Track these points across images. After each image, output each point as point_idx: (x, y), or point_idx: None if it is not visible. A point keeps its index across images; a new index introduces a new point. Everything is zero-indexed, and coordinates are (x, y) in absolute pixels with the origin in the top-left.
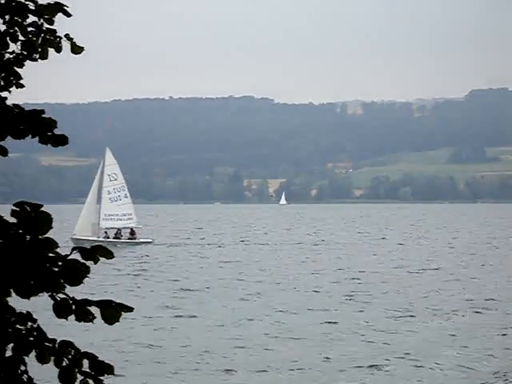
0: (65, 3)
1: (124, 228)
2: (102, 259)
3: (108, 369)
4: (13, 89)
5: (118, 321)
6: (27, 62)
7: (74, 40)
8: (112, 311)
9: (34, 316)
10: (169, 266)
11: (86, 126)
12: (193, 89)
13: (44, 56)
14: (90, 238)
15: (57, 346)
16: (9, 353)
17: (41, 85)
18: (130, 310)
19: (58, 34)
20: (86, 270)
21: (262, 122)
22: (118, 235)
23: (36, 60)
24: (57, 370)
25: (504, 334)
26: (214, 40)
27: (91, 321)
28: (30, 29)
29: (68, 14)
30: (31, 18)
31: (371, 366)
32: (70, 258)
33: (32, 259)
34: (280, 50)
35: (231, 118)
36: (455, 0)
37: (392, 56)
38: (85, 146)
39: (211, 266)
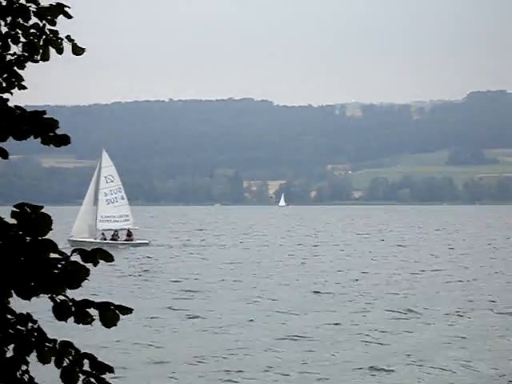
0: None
1: (121, 229)
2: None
3: (108, 369)
4: (14, 90)
5: (116, 324)
6: (28, 65)
7: (75, 41)
8: (111, 314)
9: (35, 317)
10: (169, 268)
11: (87, 128)
12: (193, 91)
13: (45, 57)
14: (87, 240)
15: (57, 346)
16: (10, 353)
17: (41, 87)
18: (129, 311)
19: (59, 36)
20: (85, 273)
21: (261, 124)
22: (114, 237)
23: (37, 61)
24: (58, 371)
25: (503, 336)
26: (214, 42)
27: (90, 323)
28: (31, 30)
29: (69, 16)
30: (32, 20)
31: (372, 368)
32: (69, 260)
33: (32, 261)
34: (279, 53)
35: (231, 120)
36: (454, 2)
37: (391, 58)
38: (85, 148)
39: (212, 267)
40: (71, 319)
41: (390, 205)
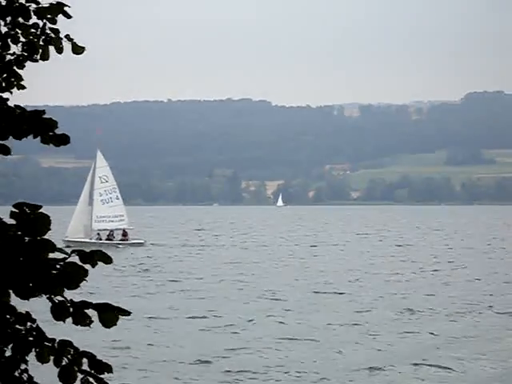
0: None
1: (116, 229)
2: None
3: (106, 368)
4: (13, 90)
5: (116, 324)
6: (27, 65)
7: (74, 41)
8: (109, 314)
9: (33, 316)
10: (169, 267)
11: (86, 128)
12: (191, 91)
13: (45, 57)
14: (83, 240)
15: (56, 345)
16: (8, 353)
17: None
18: (127, 313)
19: (59, 35)
20: (83, 274)
21: (260, 125)
22: (110, 237)
23: (37, 61)
24: (56, 370)
25: (503, 336)
26: (212, 43)
27: (88, 325)
28: (31, 30)
29: (68, 16)
30: (33, 20)
31: (372, 368)
32: (68, 260)
33: (30, 261)
34: (278, 53)
35: (229, 120)
36: (452, 3)
37: (389, 59)
38: (84, 148)
39: (211, 267)
40: (70, 319)
41: (388, 205)
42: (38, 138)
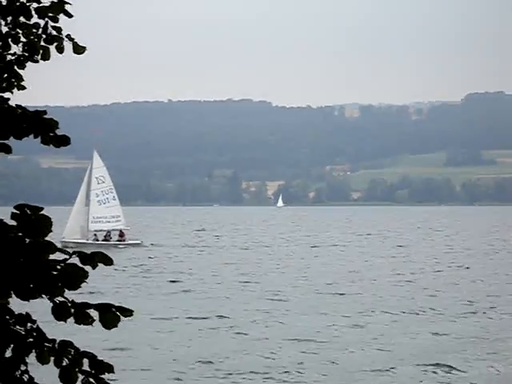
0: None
1: (113, 230)
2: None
3: (107, 368)
4: (14, 91)
5: (117, 326)
6: (27, 66)
7: (75, 40)
8: (111, 315)
9: (34, 317)
10: (170, 268)
11: (86, 128)
12: (191, 92)
13: (46, 57)
14: (79, 241)
15: (56, 346)
16: (9, 354)
17: (40, 88)
18: (130, 313)
19: (61, 34)
20: (84, 275)
21: (260, 125)
22: (107, 237)
23: (37, 61)
24: (57, 370)
25: (503, 337)
26: (212, 43)
27: (90, 324)
28: (33, 30)
29: (69, 15)
30: (34, 19)
31: (374, 369)
32: (68, 262)
33: (31, 262)
34: (278, 54)
35: (230, 120)
36: (453, 4)
37: (389, 59)
38: (84, 149)
39: (212, 267)
40: (71, 319)
41: (389, 205)
42: (38, 139)
